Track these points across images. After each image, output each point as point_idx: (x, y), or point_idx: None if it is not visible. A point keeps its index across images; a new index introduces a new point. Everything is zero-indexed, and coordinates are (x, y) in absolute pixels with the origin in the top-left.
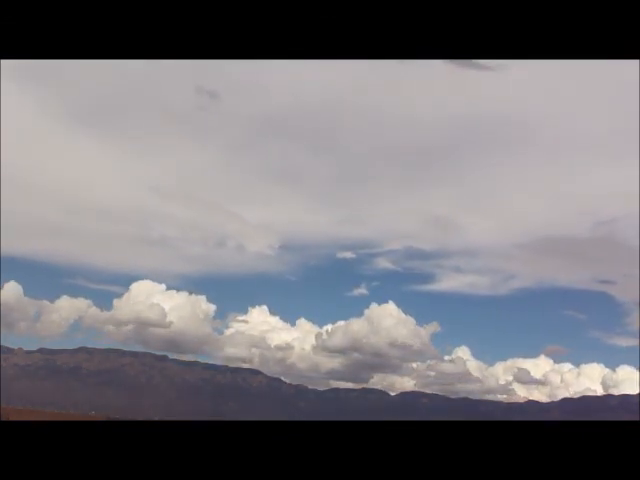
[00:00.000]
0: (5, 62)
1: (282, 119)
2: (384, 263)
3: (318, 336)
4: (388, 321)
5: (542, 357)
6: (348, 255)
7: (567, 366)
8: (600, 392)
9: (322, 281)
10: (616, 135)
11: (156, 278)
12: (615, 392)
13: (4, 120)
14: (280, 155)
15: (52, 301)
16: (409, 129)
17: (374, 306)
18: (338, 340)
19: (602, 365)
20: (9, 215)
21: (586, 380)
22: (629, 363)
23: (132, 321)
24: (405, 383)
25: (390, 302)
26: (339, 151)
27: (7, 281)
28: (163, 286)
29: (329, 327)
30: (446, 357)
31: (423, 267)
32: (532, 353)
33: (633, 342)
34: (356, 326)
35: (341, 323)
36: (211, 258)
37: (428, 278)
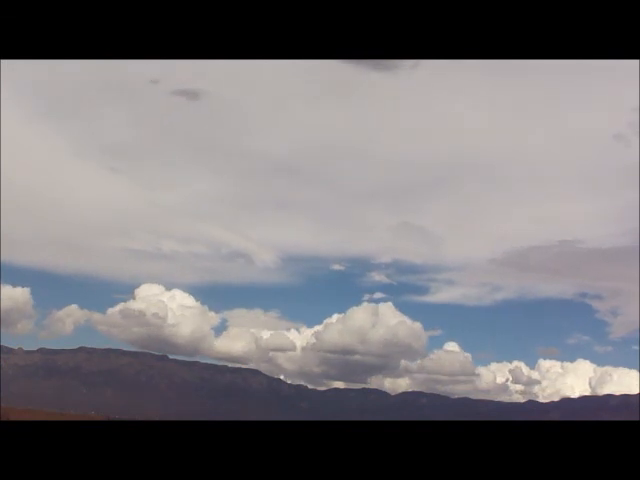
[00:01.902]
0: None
1: (286, 157)
2: (379, 277)
3: (317, 335)
4: (386, 321)
5: (537, 359)
6: (346, 269)
7: (561, 366)
8: (590, 392)
9: (324, 292)
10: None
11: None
12: (603, 392)
13: (23, 144)
14: (283, 187)
15: (59, 308)
16: (397, 164)
17: (368, 305)
18: (337, 340)
19: (593, 366)
20: (31, 230)
21: (579, 380)
22: (615, 365)
23: (133, 321)
24: (404, 383)
25: (388, 303)
26: (335, 184)
27: (16, 287)
28: (165, 288)
29: (328, 321)
30: (444, 357)
31: (416, 281)
32: (526, 356)
33: (614, 348)
34: (354, 322)
35: (340, 316)
36: (218, 270)
37: (423, 290)
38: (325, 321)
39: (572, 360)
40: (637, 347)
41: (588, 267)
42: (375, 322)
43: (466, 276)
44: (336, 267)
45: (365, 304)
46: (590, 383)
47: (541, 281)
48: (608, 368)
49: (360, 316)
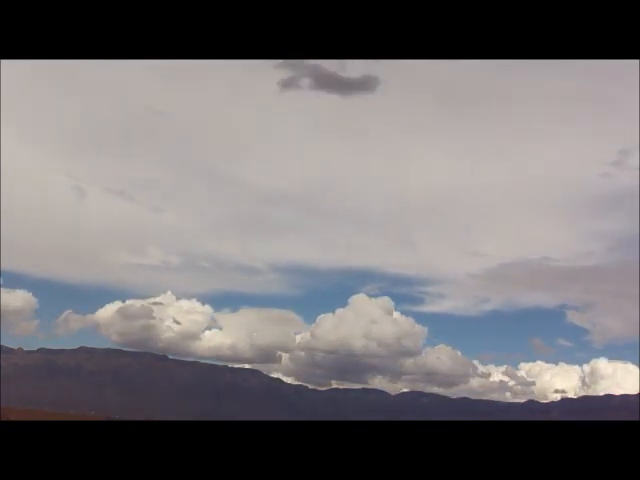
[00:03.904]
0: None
1: (285, 186)
2: (373, 291)
3: (317, 335)
4: (386, 320)
5: (529, 362)
6: (343, 281)
7: (552, 369)
8: (575, 393)
9: (323, 298)
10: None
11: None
12: (590, 392)
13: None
14: (285, 214)
15: (63, 312)
16: (387, 192)
17: (372, 299)
18: (336, 340)
19: (581, 368)
20: (47, 244)
21: (570, 381)
22: (600, 368)
23: (134, 321)
24: (404, 383)
25: (388, 300)
26: (331, 210)
27: (25, 291)
28: (168, 293)
29: (327, 321)
30: (443, 358)
31: (410, 293)
32: (518, 359)
33: (598, 352)
34: (353, 320)
35: (340, 311)
36: (222, 281)
37: (419, 301)
38: (325, 321)
39: (560, 363)
40: (618, 352)
41: (560, 282)
42: (375, 321)
43: (453, 289)
44: (333, 279)
45: (370, 298)
46: (580, 384)
47: (520, 294)
48: (594, 370)
49: (360, 313)
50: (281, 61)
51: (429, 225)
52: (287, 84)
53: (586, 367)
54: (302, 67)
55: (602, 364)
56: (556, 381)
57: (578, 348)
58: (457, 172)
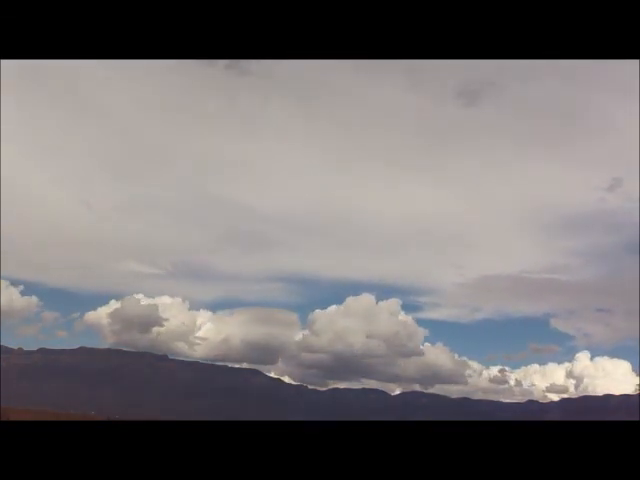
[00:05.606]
0: None
1: (288, 214)
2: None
3: (317, 335)
4: (385, 321)
5: (523, 364)
6: (341, 288)
7: (545, 370)
8: (567, 393)
9: (323, 302)
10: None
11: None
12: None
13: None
14: (283, 232)
15: (68, 314)
16: (382, 219)
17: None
18: (336, 340)
19: (570, 369)
20: (60, 253)
21: (561, 379)
22: (589, 370)
23: (133, 320)
24: (403, 383)
25: (390, 299)
26: (329, 230)
27: (31, 296)
28: (169, 296)
29: (327, 321)
30: (443, 359)
31: (407, 301)
32: (514, 361)
33: (586, 355)
34: (353, 321)
35: (340, 309)
36: (224, 288)
37: (417, 308)
38: (323, 319)
39: (551, 364)
40: (601, 356)
41: (540, 292)
42: (374, 321)
43: (446, 299)
44: (331, 288)
45: (367, 295)
46: (570, 383)
47: (506, 303)
48: (583, 369)
49: (359, 313)
50: (282, 87)
51: (418, 242)
52: (284, 111)
53: (576, 367)
54: (299, 93)
55: (588, 363)
56: (549, 381)
57: (566, 351)
58: (444, 197)
